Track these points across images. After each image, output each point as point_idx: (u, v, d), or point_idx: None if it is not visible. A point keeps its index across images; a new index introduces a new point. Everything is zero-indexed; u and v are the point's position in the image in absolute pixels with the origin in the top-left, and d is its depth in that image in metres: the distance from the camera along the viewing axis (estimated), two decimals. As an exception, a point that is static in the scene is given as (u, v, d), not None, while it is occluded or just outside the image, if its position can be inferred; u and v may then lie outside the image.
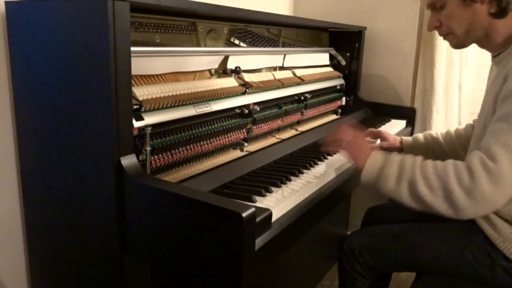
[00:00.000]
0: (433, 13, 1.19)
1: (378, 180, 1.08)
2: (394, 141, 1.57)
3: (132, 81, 0.95)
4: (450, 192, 0.98)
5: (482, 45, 1.19)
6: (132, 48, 0.89)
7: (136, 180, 0.89)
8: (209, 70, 1.35)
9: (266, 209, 0.92)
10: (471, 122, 1.47)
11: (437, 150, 1.49)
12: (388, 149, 1.59)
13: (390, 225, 1.32)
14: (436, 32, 2.01)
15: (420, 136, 1.54)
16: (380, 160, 1.10)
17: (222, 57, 1.38)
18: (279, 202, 1.00)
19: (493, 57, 1.19)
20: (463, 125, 1.52)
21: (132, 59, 0.89)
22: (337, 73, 2.09)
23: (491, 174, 0.95)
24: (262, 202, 1.00)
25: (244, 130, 1.37)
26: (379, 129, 1.67)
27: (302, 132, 1.62)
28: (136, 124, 0.98)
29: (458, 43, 1.19)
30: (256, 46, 1.61)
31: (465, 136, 1.45)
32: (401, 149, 1.56)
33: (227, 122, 1.28)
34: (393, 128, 1.91)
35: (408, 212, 1.11)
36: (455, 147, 1.46)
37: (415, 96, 2.19)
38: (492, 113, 1.06)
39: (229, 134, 1.29)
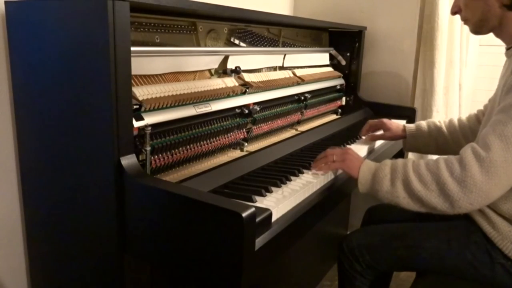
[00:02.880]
0: None
1: (373, 185, 1.09)
2: (397, 129, 1.57)
3: (132, 81, 0.95)
4: (443, 184, 0.99)
5: (497, 34, 1.19)
6: (132, 48, 0.89)
7: (136, 180, 0.89)
8: (209, 70, 1.35)
9: (266, 209, 0.92)
10: (475, 112, 1.47)
11: (439, 139, 1.49)
12: (391, 138, 1.59)
13: (390, 224, 1.33)
14: (436, 32, 2.05)
15: (423, 124, 1.53)
16: (372, 166, 1.11)
17: (222, 57, 1.38)
18: (279, 202, 1.00)
19: (507, 49, 1.19)
20: None
21: (132, 59, 0.89)
22: (337, 73, 2.09)
23: (482, 162, 0.96)
24: (262, 202, 1.00)
25: (244, 130, 1.37)
26: (382, 119, 1.65)
27: (302, 132, 1.62)
28: (136, 124, 0.98)
29: (474, 30, 1.21)
30: (256, 46, 1.61)
31: (468, 127, 1.45)
32: (404, 137, 1.56)
33: (227, 122, 1.28)
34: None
35: (407, 211, 1.11)
36: (458, 137, 1.46)
37: (415, 96, 2.19)
38: (498, 105, 1.07)
39: (229, 134, 1.29)
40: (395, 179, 1.06)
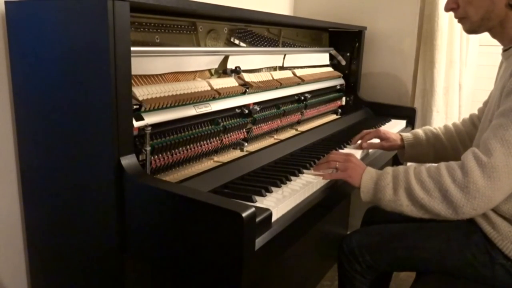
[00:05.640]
0: None
1: (376, 194, 1.09)
2: (395, 139, 1.54)
3: (132, 81, 0.96)
4: (445, 191, 0.99)
5: (494, 35, 1.18)
6: (132, 48, 0.89)
7: (136, 180, 0.89)
8: (209, 70, 1.35)
9: (266, 209, 0.92)
10: (468, 117, 1.47)
11: (438, 146, 1.47)
12: (390, 148, 1.57)
13: (390, 224, 1.33)
14: (436, 32, 2.05)
15: (420, 132, 1.50)
16: (374, 175, 1.11)
17: (222, 57, 1.38)
18: (279, 202, 1.00)
19: (504, 51, 1.19)
20: None
21: (132, 59, 0.89)
22: (337, 73, 2.09)
23: (484, 168, 0.96)
24: (262, 202, 1.00)
25: (244, 130, 1.37)
26: (378, 128, 1.64)
27: (302, 132, 1.62)
28: (136, 124, 0.98)
29: (471, 29, 1.18)
30: (256, 46, 1.61)
31: (464, 131, 1.44)
32: (402, 146, 1.53)
33: (227, 122, 1.28)
34: (393, 128, 1.91)
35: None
36: (456, 143, 1.44)
37: (415, 96, 2.19)
38: (497, 108, 1.06)
39: (229, 134, 1.29)
40: (397, 187, 1.05)
